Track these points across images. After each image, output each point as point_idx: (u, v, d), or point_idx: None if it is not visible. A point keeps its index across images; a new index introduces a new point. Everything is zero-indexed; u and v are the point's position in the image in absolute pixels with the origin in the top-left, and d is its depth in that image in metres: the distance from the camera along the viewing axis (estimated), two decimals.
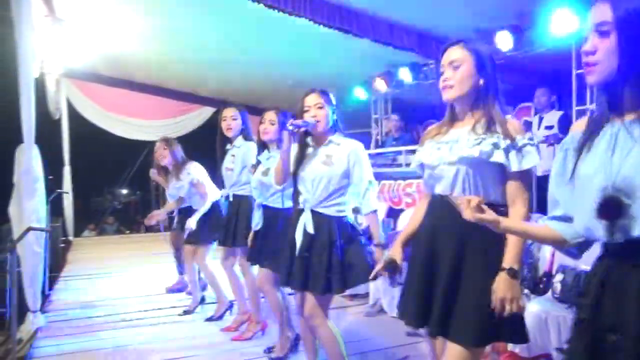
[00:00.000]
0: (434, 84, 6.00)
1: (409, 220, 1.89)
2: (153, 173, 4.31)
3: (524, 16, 4.49)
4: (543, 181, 4.09)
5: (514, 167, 1.57)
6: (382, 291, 3.99)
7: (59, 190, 6.05)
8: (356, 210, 2.46)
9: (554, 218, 1.26)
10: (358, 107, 7.13)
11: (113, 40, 6.26)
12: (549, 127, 4.41)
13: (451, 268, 1.59)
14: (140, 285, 5.16)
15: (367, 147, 6.45)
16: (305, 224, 2.31)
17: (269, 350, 3.10)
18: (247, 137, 3.37)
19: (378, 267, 1.87)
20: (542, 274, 2.88)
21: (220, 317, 3.84)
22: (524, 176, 1.59)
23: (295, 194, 2.40)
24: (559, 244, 1.27)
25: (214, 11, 5.13)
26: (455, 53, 1.65)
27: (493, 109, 1.63)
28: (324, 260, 2.24)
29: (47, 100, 6.83)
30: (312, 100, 2.33)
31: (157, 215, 4.24)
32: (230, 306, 3.90)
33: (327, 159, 2.30)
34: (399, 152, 4.85)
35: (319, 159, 2.32)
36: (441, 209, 1.65)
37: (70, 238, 8.30)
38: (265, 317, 3.47)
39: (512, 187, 1.60)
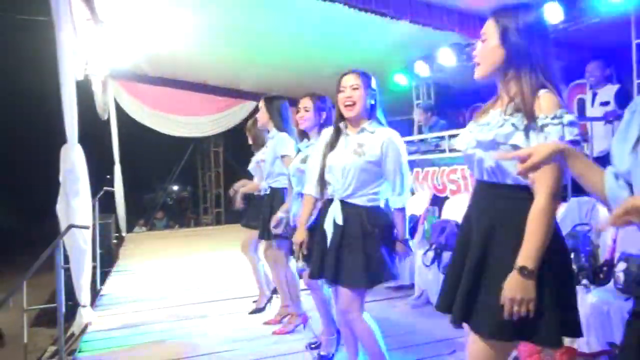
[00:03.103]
0: None
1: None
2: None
3: None
4: (599, 162, 3.78)
5: None
6: (428, 282, 3.84)
7: (106, 188, 6.23)
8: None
9: (611, 171, 1.12)
10: (399, 93, 6.92)
11: (156, 40, 6.36)
12: (605, 103, 4.06)
13: (479, 252, 1.47)
14: (188, 279, 5.24)
15: (409, 133, 6.26)
16: (335, 215, 2.22)
17: (312, 346, 3.01)
18: (280, 127, 3.27)
19: None
20: (602, 263, 2.65)
21: (262, 309, 3.83)
22: None
23: (323, 183, 2.29)
24: (600, 199, 1.16)
25: (250, 5, 5.09)
26: (486, 25, 1.52)
27: (525, 85, 1.43)
28: (358, 252, 2.13)
29: (94, 102, 7.07)
30: (348, 80, 2.21)
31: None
32: (270, 298, 3.89)
33: (358, 148, 2.18)
34: (442, 138, 4.64)
35: (350, 148, 2.21)
36: (476, 193, 1.58)
37: (123, 234, 8.59)
38: (308, 310, 3.41)
39: (536, 173, 1.36)
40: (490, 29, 1.50)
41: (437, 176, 4.43)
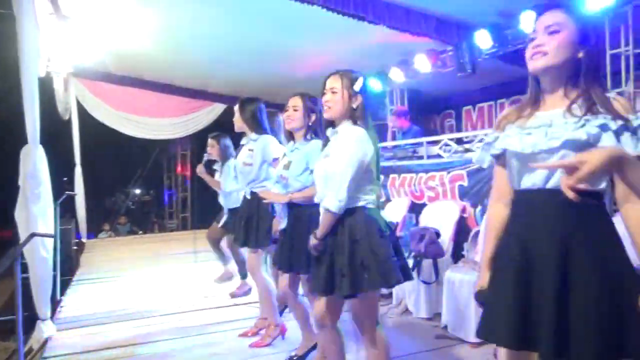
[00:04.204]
0: (452, 72, 5.80)
1: (486, 237, 1.61)
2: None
3: None
4: None
5: (630, 151, 1.28)
6: (407, 290, 3.79)
7: (67, 192, 5.91)
8: (382, 208, 2.27)
9: None
10: (372, 98, 6.91)
11: (121, 37, 6.12)
12: None
13: (556, 271, 1.32)
14: (155, 288, 5.01)
15: (384, 139, 6.24)
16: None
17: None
18: (258, 131, 3.15)
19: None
20: None
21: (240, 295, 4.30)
22: None
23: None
24: None
25: (222, 4, 4.95)
26: (554, 17, 1.39)
27: (592, 87, 1.37)
28: (339, 259, 2.03)
29: (55, 101, 6.72)
30: (328, 83, 2.13)
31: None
32: (249, 289, 4.31)
33: (327, 150, 2.12)
34: (420, 144, 4.61)
35: (324, 153, 2.15)
36: (535, 204, 1.40)
37: (84, 240, 8.21)
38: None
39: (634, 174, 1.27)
40: (564, 22, 1.38)
41: (415, 183, 4.39)
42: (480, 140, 3.38)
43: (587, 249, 1.31)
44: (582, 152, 1.27)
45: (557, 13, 1.39)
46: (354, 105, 2.10)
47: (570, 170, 1.08)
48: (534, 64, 1.40)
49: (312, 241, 2.12)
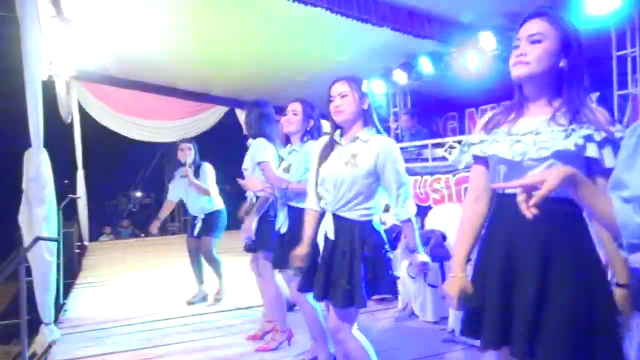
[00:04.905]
0: (455, 74, 5.78)
1: (462, 236, 1.62)
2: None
3: None
4: None
5: (609, 163, 1.32)
6: (412, 294, 3.76)
7: (70, 196, 5.90)
8: (386, 211, 2.27)
9: (619, 197, 1.09)
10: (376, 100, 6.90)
11: (123, 40, 6.11)
12: None
13: (537, 279, 1.36)
14: (159, 292, 4.99)
15: None
16: (326, 229, 2.12)
17: None
18: (252, 135, 3.15)
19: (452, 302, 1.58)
20: None
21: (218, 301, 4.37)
22: None
23: (314, 194, 2.21)
24: (610, 226, 1.12)
25: (223, 7, 4.94)
26: (537, 26, 1.40)
27: (575, 96, 1.40)
28: (344, 270, 2.04)
29: (57, 104, 6.71)
30: (336, 89, 2.13)
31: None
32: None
33: (351, 159, 2.08)
34: (425, 146, 4.59)
35: (343, 159, 2.11)
36: (520, 210, 1.40)
37: (86, 243, 8.19)
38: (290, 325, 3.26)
39: (603, 186, 1.31)
40: (546, 31, 1.39)
41: (419, 185, 4.37)
42: None
43: (567, 256, 1.35)
44: (569, 162, 1.32)
45: (541, 22, 1.41)
46: (365, 106, 2.13)
47: (530, 189, 1.12)
48: (516, 72, 1.42)
49: (420, 257, 2.11)
